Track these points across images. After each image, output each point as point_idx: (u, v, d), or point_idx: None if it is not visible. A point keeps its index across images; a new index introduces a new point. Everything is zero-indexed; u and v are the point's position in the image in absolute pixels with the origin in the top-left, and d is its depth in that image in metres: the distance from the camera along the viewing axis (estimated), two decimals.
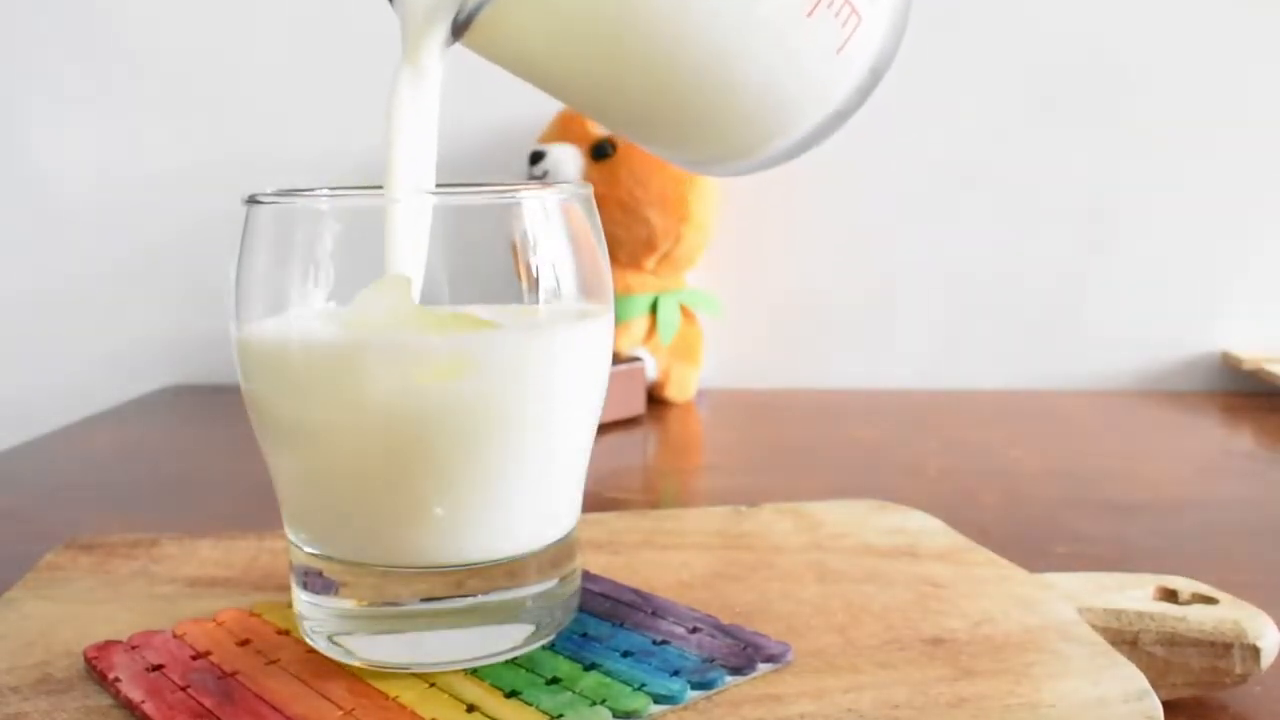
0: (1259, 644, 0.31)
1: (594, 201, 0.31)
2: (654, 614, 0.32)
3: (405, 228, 0.27)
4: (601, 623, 0.32)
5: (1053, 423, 0.75)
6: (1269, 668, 0.31)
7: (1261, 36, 0.83)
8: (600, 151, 0.78)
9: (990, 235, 0.86)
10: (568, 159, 0.78)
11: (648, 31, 0.28)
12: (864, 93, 0.30)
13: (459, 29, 0.28)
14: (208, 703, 0.27)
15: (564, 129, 0.80)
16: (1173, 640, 0.31)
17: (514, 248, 0.28)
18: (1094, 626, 0.32)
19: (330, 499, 0.29)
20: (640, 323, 0.81)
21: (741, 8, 0.28)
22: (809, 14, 0.28)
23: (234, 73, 0.89)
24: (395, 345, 0.27)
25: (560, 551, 0.30)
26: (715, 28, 0.28)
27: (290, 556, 0.31)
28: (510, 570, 0.29)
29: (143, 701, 0.27)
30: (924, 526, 0.41)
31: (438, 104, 0.28)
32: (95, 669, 0.29)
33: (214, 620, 0.32)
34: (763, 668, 0.29)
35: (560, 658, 0.29)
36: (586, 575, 0.35)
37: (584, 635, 0.31)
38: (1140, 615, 0.32)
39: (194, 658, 0.29)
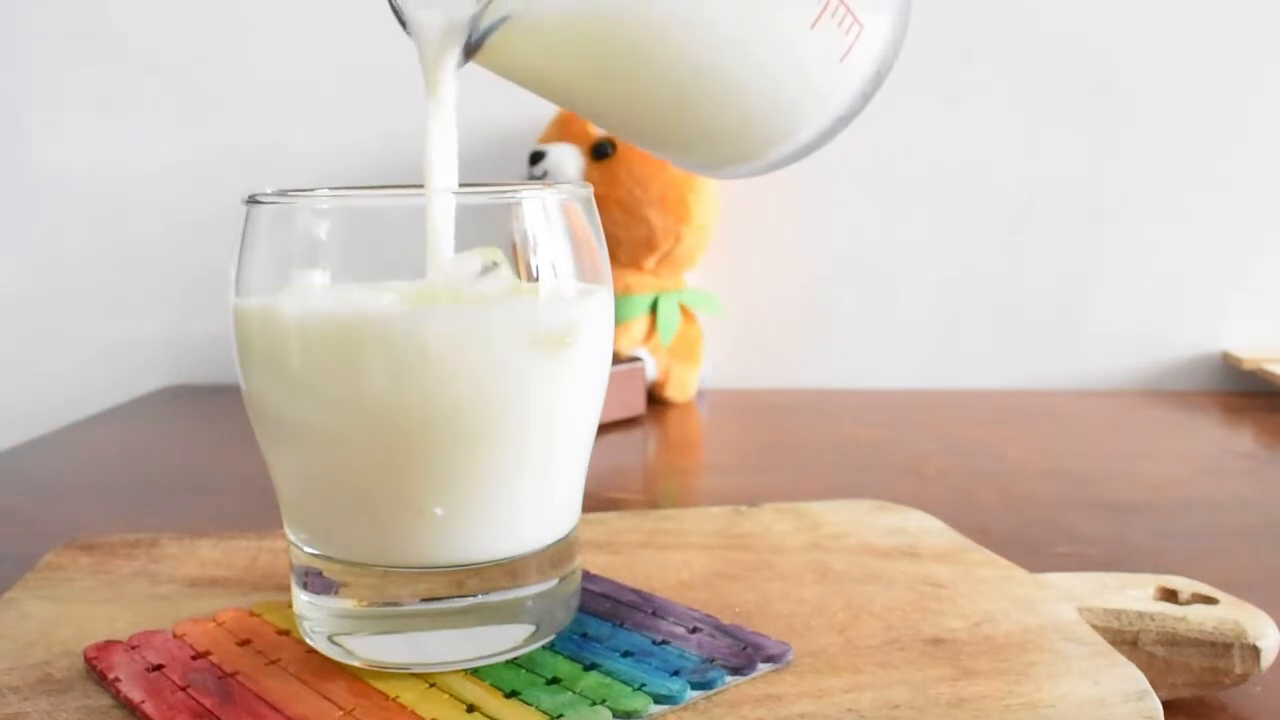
0: (1259, 644, 0.31)
1: (594, 201, 0.31)
2: (654, 614, 0.32)
3: (444, 220, 0.29)
4: (601, 623, 0.32)
5: (1053, 423, 0.75)
6: (1269, 668, 0.31)
7: (1263, 37, 0.83)
8: (600, 151, 0.78)
9: (990, 235, 0.87)
10: (568, 159, 0.78)
11: (652, 45, 0.29)
12: (866, 98, 0.31)
13: (470, 51, 0.29)
14: (208, 703, 0.27)
15: (564, 129, 0.80)
16: (1173, 640, 0.31)
17: (514, 247, 0.28)
18: (1094, 626, 0.32)
19: (330, 498, 0.29)
20: (640, 323, 0.81)
21: (746, 19, 0.28)
22: (813, 24, 0.28)
23: (234, 73, 0.89)
24: (518, 309, 0.28)
25: (560, 551, 0.30)
26: (721, 39, 0.28)
27: (290, 556, 0.31)
28: (510, 570, 0.29)
29: (143, 701, 0.27)
30: (924, 526, 0.41)
31: (454, 117, 0.30)
32: (95, 669, 0.29)
33: (214, 620, 0.32)
34: (763, 668, 0.29)
35: (560, 658, 0.29)
36: (586, 575, 0.35)
37: (584, 635, 0.31)
38: (1140, 615, 0.32)
39: (194, 658, 0.29)
